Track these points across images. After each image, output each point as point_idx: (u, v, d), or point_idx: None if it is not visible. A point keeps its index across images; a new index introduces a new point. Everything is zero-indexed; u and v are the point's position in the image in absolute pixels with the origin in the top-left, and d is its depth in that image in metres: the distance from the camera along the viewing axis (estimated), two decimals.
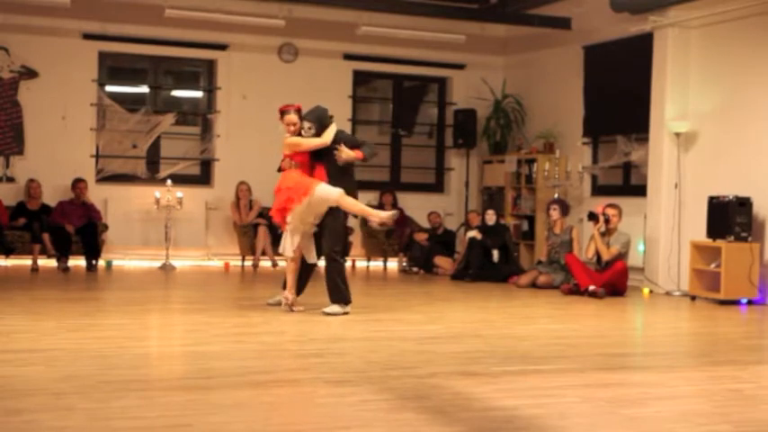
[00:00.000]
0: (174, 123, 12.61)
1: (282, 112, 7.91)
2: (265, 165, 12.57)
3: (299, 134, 7.87)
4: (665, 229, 10.40)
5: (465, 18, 12.86)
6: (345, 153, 7.74)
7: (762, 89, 9.59)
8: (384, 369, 5.34)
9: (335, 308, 7.64)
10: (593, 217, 10.08)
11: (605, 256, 9.88)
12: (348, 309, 7.72)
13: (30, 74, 11.83)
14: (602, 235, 10.00)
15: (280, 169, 8.05)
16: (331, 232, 7.75)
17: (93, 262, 11.16)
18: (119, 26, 12.15)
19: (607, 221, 9.97)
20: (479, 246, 11.26)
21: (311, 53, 13.00)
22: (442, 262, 12.04)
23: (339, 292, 7.69)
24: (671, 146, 10.40)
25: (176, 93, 13.40)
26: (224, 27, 12.38)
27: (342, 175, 7.80)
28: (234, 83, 12.71)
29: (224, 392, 4.61)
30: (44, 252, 11.10)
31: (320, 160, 7.84)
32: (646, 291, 10.31)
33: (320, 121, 7.85)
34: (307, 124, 7.86)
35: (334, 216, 7.75)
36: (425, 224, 12.75)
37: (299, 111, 7.90)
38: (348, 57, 13.23)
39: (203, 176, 12.85)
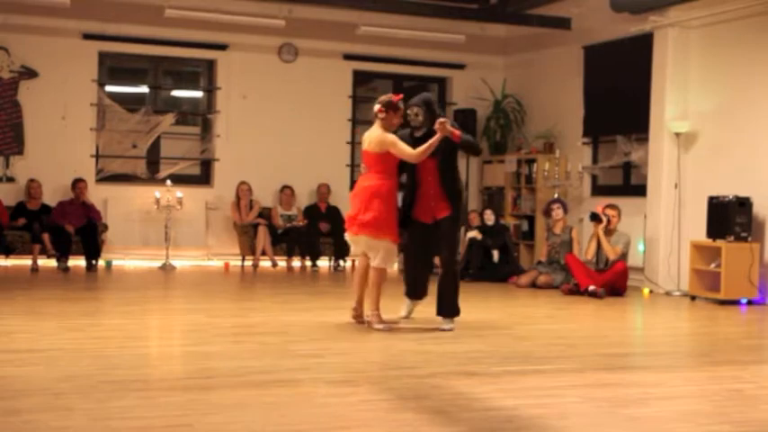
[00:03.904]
0: (174, 123, 12.60)
1: (398, 104, 6.92)
2: (265, 165, 12.68)
3: (407, 126, 6.94)
4: (665, 229, 10.39)
5: (465, 18, 12.84)
6: (447, 126, 6.67)
7: (762, 89, 9.59)
8: (384, 369, 5.34)
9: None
10: (595, 217, 10.05)
11: (611, 256, 9.87)
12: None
13: (30, 74, 11.82)
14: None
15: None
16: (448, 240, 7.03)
17: (93, 262, 11.16)
18: (119, 26, 12.14)
19: (608, 221, 9.98)
20: (479, 246, 11.26)
21: (311, 53, 13.00)
22: None
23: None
24: (671, 146, 10.40)
25: (176, 93, 13.40)
26: (224, 27, 12.38)
27: (451, 175, 6.97)
28: (234, 83, 12.71)
29: (224, 392, 4.61)
30: (44, 252, 11.09)
31: (432, 156, 6.81)
32: (646, 291, 10.31)
33: (428, 106, 6.92)
34: (414, 110, 6.95)
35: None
36: None
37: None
38: (348, 57, 13.22)
39: (203, 176, 12.85)
